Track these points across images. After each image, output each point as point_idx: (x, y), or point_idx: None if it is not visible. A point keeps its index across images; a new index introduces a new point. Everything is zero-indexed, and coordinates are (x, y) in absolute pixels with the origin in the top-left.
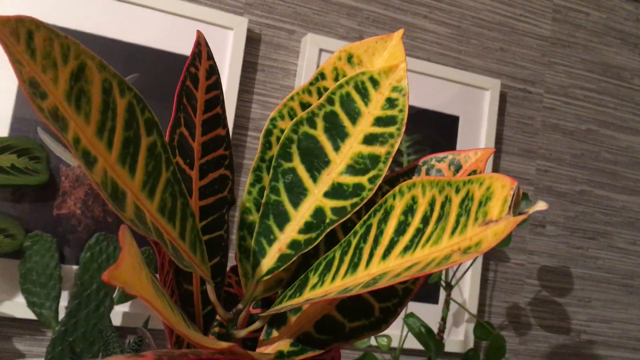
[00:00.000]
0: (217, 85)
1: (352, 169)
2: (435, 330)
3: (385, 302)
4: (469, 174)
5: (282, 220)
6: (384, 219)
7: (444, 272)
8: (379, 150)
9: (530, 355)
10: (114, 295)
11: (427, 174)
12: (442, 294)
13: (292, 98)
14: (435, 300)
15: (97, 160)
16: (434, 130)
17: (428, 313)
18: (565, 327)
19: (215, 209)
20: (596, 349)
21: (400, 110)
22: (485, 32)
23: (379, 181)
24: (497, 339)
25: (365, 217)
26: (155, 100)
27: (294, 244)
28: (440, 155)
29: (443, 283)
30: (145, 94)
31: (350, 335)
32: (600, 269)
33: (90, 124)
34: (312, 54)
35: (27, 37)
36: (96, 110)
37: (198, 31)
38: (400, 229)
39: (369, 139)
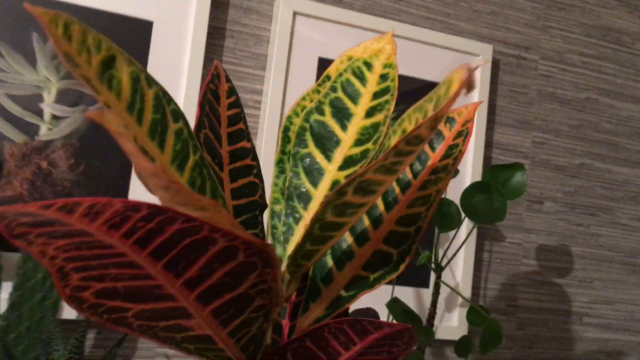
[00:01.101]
0: (237, 104)
1: (359, 142)
2: (425, 317)
3: (402, 246)
4: (463, 125)
5: (305, 199)
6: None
7: (433, 253)
8: (378, 117)
9: (528, 340)
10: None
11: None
12: (433, 277)
13: (303, 98)
14: (425, 284)
15: (127, 129)
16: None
17: (418, 298)
18: (565, 310)
19: (248, 210)
20: (599, 333)
21: (392, 80)
22: None
23: (381, 140)
24: (493, 324)
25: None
26: None
27: None
28: None
29: (433, 265)
30: None
31: (373, 284)
32: (602, 247)
33: (121, 101)
34: (286, 18)
35: (64, 26)
36: (126, 92)
37: (215, 61)
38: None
39: (370, 112)
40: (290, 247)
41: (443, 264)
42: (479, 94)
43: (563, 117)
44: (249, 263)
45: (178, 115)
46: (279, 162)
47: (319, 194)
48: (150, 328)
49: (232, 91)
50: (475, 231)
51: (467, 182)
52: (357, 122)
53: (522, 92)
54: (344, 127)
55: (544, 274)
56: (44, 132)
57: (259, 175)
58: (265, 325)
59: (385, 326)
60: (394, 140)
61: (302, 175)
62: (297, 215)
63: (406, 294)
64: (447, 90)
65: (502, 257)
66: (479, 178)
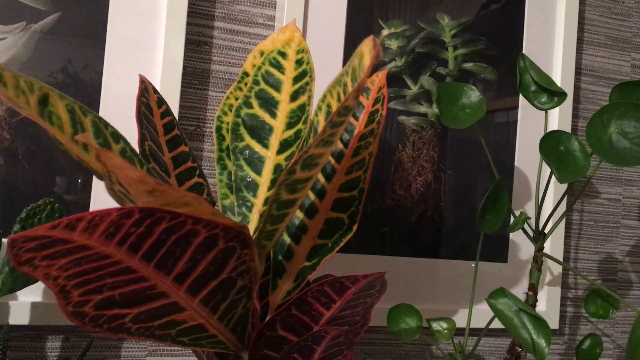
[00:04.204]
0: (169, 112)
1: (290, 124)
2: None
3: (350, 209)
4: (377, 92)
5: (253, 188)
6: (315, 133)
7: (534, 216)
8: (302, 99)
9: (629, 324)
10: None
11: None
12: (521, 248)
13: (228, 97)
14: (502, 258)
15: (79, 159)
16: (494, 10)
17: (493, 277)
18: None
19: None
20: None
21: (307, 63)
22: None
23: (309, 118)
24: None
25: (304, 144)
26: (83, 39)
27: (267, 201)
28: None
29: (531, 232)
30: (71, 33)
31: (332, 248)
32: None
33: (65, 133)
34: None
35: None
36: (67, 124)
37: (140, 75)
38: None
39: (294, 96)
40: (250, 232)
41: (547, 229)
42: (565, 5)
43: None
44: (229, 248)
45: (118, 136)
46: (220, 160)
47: (264, 180)
48: (147, 329)
49: (161, 101)
50: (553, 183)
51: (555, 122)
52: (285, 108)
53: (618, 0)
54: (273, 115)
55: None
56: None
57: (201, 175)
58: (249, 305)
59: (361, 278)
60: (320, 117)
61: (245, 167)
62: (248, 204)
63: (462, 270)
64: (360, 62)
65: (597, 219)
66: (569, 119)
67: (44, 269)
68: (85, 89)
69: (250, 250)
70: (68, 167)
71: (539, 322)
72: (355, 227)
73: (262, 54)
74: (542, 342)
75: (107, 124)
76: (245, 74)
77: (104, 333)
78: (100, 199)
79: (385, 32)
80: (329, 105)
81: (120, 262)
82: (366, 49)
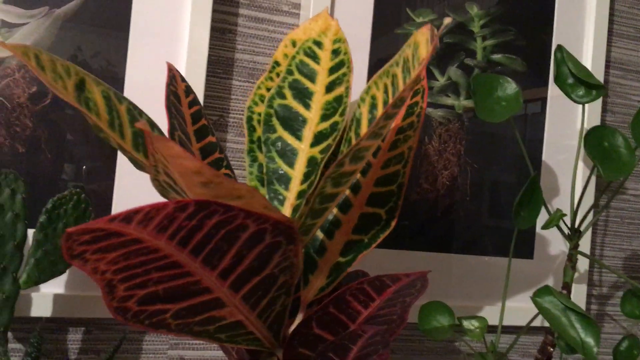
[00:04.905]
0: (196, 101)
1: (325, 116)
2: None
3: (388, 204)
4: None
5: (285, 181)
6: (358, 126)
7: (570, 213)
8: (339, 91)
9: None
10: (20, 272)
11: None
12: (549, 244)
13: (259, 87)
14: (528, 254)
15: (119, 146)
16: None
17: (520, 273)
18: None
19: None
20: None
21: (345, 54)
22: None
23: (347, 110)
24: None
25: (345, 136)
26: (105, 27)
27: (300, 194)
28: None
29: (566, 229)
30: (94, 20)
31: (369, 244)
32: None
33: (101, 120)
34: None
35: (35, 57)
36: (103, 110)
37: (168, 63)
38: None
39: (330, 87)
40: None
41: (582, 227)
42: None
43: None
44: (275, 243)
45: (152, 125)
46: (250, 152)
47: (297, 173)
48: (186, 325)
49: (189, 89)
50: (593, 179)
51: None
52: (319, 99)
53: None
54: (307, 106)
55: None
56: None
57: (228, 166)
58: (287, 302)
59: (403, 277)
60: (363, 108)
61: (277, 159)
62: (280, 197)
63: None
64: (415, 52)
65: (623, 215)
66: (598, 113)
67: (94, 263)
68: (107, 78)
69: (295, 246)
70: (87, 156)
71: (588, 321)
72: (393, 223)
73: (293, 43)
74: (591, 342)
75: (141, 112)
76: (277, 63)
77: (144, 329)
78: (123, 187)
79: (448, 20)
80: (373, 97)
81: (169, 257)
82: (422, 38)
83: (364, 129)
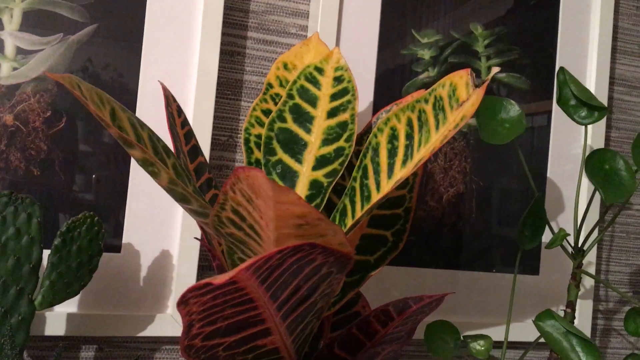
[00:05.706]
0: (187, 121)
1: (327, 141)
2: None
3: (394, 226)
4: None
5: None
6: (375, 154)
7: (573, 232)
8: (344, 117)
9: None
10: (36, 294)
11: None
12: (554, 260)
13: (254, 109)
14: (534, 270)
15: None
16: (527, 19)
17: (525, 289)
18: None
19: None
20: None
21: (348, 81)
22: None
23: (354, 136)
24: None
25: (357, 162)
26: (119, 49)
27: None
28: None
29: (570, 248)
30: (107, 44)
31: (377, 265)
32: None
33: (136, 148)
34: None
35: (77, 86)
36: (132, 138)
37: (160, 82)
38: (392, 153)
39: (332, 113)
40: None
41: (586, 246)
42: (600, 14)
43: None
44: (327, 274)
45: (168, 150)
46: None
47: (300, 194)
48: (231, 356)
49: (180, 110)
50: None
51: (588, 133)
52: (320, 124)
53: None
54: (307, 130)
55: None
56: (6, 72)
57: (216, 186)
58: (316, 325)
59: (426, 298)
60: (381, 138)
61: (279, 182)
62: None
63: (495, 285)
64: (452, 93)
65: (628, 230)
66: (602, 130)
67: (191, 307)
68: (120, 100)
69: (342, 275)
70: (103, 177)
71: (588, 344)
72: (401, 245)
73: (285, 65)
74: None
75: (158, 138)
76: (270, 85)
77: None
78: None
79: (495, 69)
80: (393, 128)
81: (248, 293)
82: (461, 81)
83: (383, 157)
